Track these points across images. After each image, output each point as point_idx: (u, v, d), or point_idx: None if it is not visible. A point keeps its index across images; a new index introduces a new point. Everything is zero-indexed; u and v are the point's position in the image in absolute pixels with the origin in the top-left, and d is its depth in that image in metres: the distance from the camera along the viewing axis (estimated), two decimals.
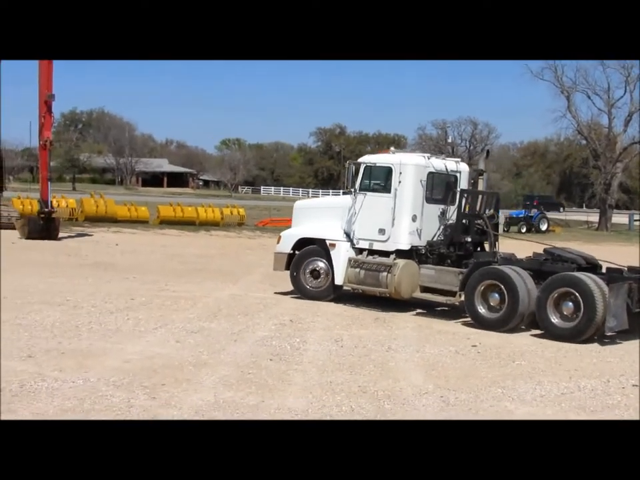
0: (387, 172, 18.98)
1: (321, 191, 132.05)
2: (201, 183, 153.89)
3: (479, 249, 19.41)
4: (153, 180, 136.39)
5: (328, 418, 9.61)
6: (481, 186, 19.84)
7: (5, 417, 8.91)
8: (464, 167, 20.17)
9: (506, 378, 12.22)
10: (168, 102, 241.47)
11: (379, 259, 18.79)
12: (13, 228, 33.50)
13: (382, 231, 18.80)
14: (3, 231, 32.19)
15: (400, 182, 18.64)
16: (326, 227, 19.71)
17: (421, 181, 18.76)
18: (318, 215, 20.30)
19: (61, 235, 33.51)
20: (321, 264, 19.52)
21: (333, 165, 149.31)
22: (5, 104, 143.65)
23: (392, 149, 20.07)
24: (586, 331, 15.86)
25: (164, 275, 22.55)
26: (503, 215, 65.08)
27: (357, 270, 18.83)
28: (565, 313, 16.23)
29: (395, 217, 18.65)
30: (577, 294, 16.00)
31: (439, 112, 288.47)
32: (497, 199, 20.03)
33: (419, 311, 18.79)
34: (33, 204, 36.90)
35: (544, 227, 64.81)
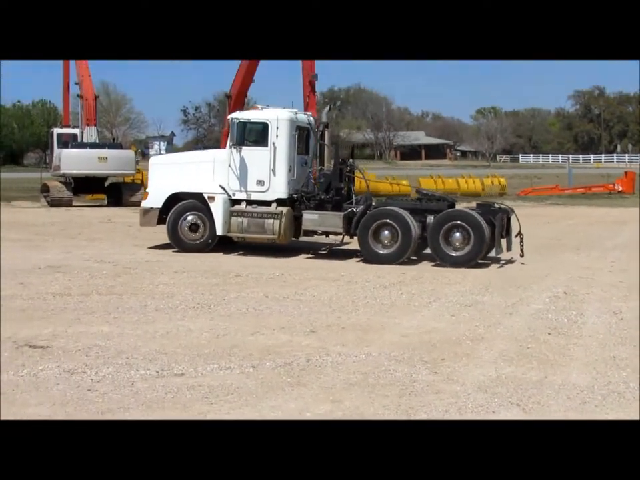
0: (264, 127, 20.64)
1: (581, 156, 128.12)
2: (458, 154, 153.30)
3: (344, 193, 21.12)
4: (411, 153, 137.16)
5: (608, 393, 9.29)
6: (326, 137, 21.72)
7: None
8: (312, 120, 22.07)
9: None
10: (421, 73, 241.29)
11: (262, 208, 20.40)
12: None
13: (261, 182, 20.48)
14: None
15: (277, 136, 20.37)
16: (200, 181, 20.94)
17: (294, 135, 20.69)
18: (184, 171, 21.29)
19: None
20: (199, 217, 20.72)
21: (592, 128, 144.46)
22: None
23: (259, 105, 21.95)
24: (477, 256, 19.03)
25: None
26: None
27: (240, 219, 20.14)
28: (457, 244, 19.03)
29: (274, 168, 20.38)
30: (467, 225, 18.92)
31: None
32: (352, 149, 22.26)
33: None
34: None
35: None
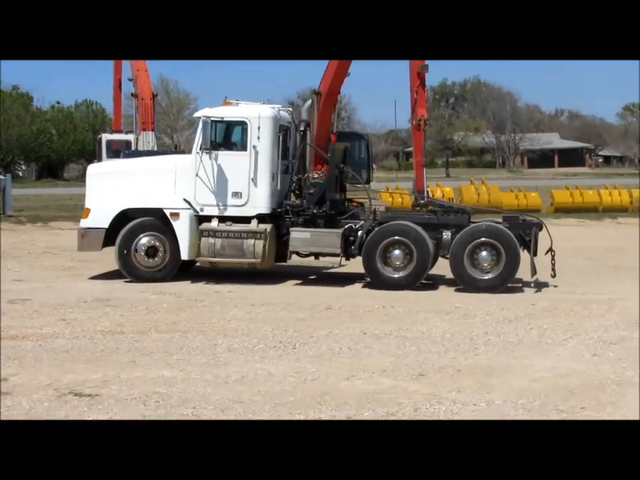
0: (242, 127, 20.61)
1: None
2: (600, 160, 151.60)
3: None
4: (542, 159, 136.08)
5: None
6: (308, 137, 21.76)
7: None
8: (291, 118, 21.96)
9: None
10: (551, 64, 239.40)
11: (239, 226, 20.18)
12: None
13: (237, 194, 20.32)
14: None
15: (259, 138, 20.21)
16: (158, 194, 20.62)
17: (278, 136, 20.60)
18: (137, 182, 20.77)
19: None
20: (158, 238, 20.31)
21: None
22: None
23: (232, 100, 21.10)
24: (509, 279, 19.60)
25: (569, 274, 22.30)
26: None
27: (212, 240, 19.73)
28: (485, 265, 19.49)
29: (255, 178, 20.28)
30: (498, 243, 19.36)
31: None
32: (343, 152, 22.14)
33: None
34: (404, 195, 37.91)
35: None
